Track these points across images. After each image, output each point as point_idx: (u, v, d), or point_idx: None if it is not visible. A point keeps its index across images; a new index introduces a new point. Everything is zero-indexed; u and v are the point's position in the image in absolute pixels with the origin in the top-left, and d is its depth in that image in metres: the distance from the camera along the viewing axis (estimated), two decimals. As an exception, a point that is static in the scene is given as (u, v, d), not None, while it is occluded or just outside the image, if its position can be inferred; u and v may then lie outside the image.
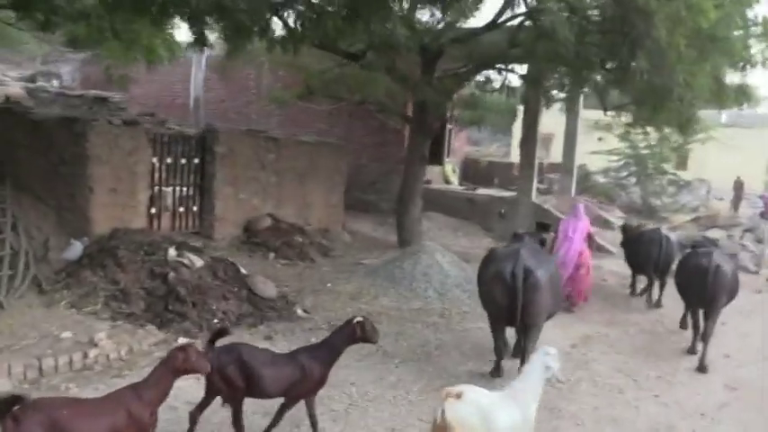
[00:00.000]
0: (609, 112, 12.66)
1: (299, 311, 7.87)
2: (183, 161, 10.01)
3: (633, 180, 19.70)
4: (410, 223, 12.61)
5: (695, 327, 7.42)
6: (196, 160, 10.20)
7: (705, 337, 7.08)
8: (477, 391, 3.93)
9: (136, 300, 7.10)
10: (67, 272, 7.74)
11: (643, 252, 9.83)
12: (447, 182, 18.38)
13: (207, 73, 19.35)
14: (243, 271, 8.18)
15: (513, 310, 5.88)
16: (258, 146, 10.90)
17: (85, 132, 8.48)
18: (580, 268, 9.19)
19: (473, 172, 19.39)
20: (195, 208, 10.28)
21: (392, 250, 12.13)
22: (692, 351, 7.34)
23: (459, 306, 8.63)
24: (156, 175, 9.65)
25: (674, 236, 10.49)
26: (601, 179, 20.20)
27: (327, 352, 4.70)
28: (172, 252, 7.64)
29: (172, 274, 7.31)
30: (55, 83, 23.00)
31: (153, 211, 9.59)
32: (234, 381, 4.37)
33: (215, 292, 7.42)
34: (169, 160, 9.80)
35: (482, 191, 16.85)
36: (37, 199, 9.13)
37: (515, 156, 22.27)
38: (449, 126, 18.52)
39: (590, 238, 9.64)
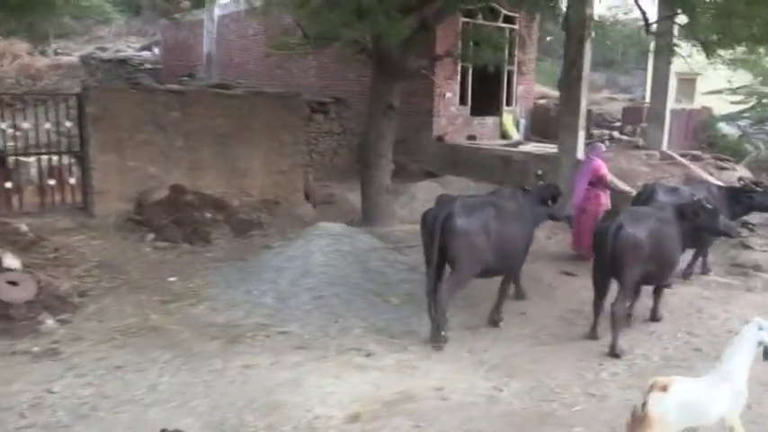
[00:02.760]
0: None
1: (49, 322, 5.95)
2: (48, 126, 8.52)
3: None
4: (374, 193, 9.92)
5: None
6: (68, 124, 8.65)
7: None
8: (686, 382, 3.70)
9: None
10: None
11: None
12: (505, 136, 14.89)
13: (255, 29, 18.06)
14: (8, 264, 6.44)
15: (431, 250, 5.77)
16: (152, 103, 8.99)
17: None
18: (583, 213, 8.37)
19: (543, 123, 15.51)
20: (72, 180, 8.79)
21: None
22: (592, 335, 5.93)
23: (282, 324, 6.02)
24: (11, 144, 8.33)
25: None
26: (726, 129, 14.98)
27: None
28: None
29: None
30: (156, 50, 23.40)
31: (8, 185, 8.31)
32: None
33: (-70, 295, 5.80)
34: (26, 125, 8.38)
35: (527, 147, 13.25)
36: None
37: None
38: (508, 67, 14.92)
39: (601, 181, 8.45)
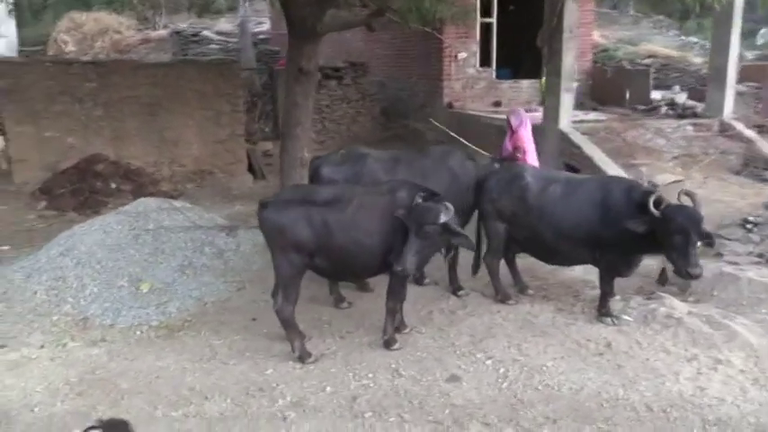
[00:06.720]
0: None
1: None
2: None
3: None
4: (287, 166, 9.01)
5: None
6: (-7, 96, 9.16)
7: None
8: None
9: None
10: None
11: None
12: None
13: None
14: None
15: None
16: (65, 75, 9.12)
17: None
18: None
19: (600, 87, 12.81)
20: (-1, 149, 9.36)
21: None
22: None
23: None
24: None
25: None
26: None
27: None
28: None
29: None
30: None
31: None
32: None
33: None
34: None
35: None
36: None
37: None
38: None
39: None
